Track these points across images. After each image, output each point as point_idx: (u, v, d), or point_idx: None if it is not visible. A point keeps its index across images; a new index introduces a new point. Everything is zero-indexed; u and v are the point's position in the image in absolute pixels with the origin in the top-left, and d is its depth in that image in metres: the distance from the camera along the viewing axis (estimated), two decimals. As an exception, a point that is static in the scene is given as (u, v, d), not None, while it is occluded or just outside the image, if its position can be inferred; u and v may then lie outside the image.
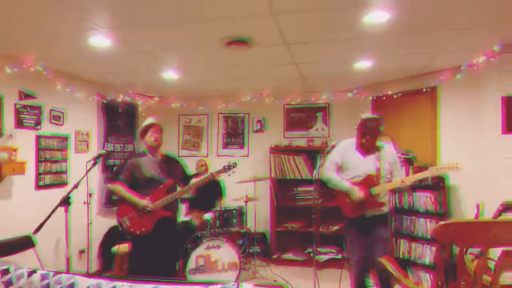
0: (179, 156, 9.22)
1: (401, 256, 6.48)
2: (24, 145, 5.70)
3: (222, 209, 6.85)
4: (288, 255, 8.22)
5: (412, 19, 4.27)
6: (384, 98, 7.32)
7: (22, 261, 5.21)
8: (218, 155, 9.22)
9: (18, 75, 5.55)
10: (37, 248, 5.28)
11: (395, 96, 7.08)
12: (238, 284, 2.35)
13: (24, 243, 5.20)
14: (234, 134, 9.19)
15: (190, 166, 8.07)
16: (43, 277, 2.64)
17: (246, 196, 7.25)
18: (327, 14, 4.11)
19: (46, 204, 4.79)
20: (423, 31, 4.66)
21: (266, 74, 6.97)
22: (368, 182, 4.97)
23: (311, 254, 7.58)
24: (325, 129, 8.65)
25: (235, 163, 5.61)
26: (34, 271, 2.70)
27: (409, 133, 6.89)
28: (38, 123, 6.02)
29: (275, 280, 7.01)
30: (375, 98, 7.58)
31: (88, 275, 2.65)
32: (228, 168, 5.54)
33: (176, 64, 6.27)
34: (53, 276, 2.64)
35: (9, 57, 5.48)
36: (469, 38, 4.91)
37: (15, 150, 5.41)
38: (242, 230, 7.44)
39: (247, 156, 9.07)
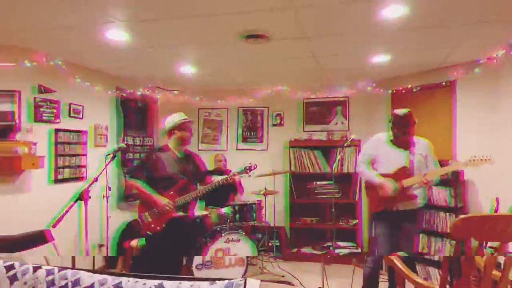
0: (198, 150, 9.25)
1: (420, 250, 6.43)
2: (42, 139, 5.76)
3: (242, 202, 6.82)
4: (307, 249, 8.19)
5: (430, 13, 4.21)
6: (403, 92, 7.23)
7: (40, 255, 5.26)
8: (237, 149, 9.23)
9: (36, 69, 5.58)
10: (54, 242, 5.31)
11: (414, 90, 6.99)
12: (245, 281, 2.33)
13: (41, 237, 5.23)
14: (253, 128, 9.17)
15: (208, 160, 8.12)
16: (48, 273, 2.63)
17: (265, 188, 7.21)
18: (345, 7, 4.07)
19: (64, 198, 4.81)
20: (440, 25, 4.60)
21: (285, 68, 6.93)
22: (401, 174, 4.93)
23: (331, 248, 7.56)
24: (345, 123, 8.59)
25: (255, 164, 5.56)
26: (39, 267, 2.69)
27: (427, 128, 6.77)
28: (56, 117, 6.05)
29: (282, 276, 6.98)
30: (393, 91, 7.49)
31: (94, 271, 2.64)
32: (249, 169, 5.50)
33: (195, 58, 6.27)
34: (58, 271, 2.62)
35: (27, 51, 5.51)
36: (487, 32, 4.83)
37: (34, 144, 5.44)
38: (260, 224, 7.41)
39: (266, 150, 9.06)
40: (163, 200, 5.00)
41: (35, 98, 5.66)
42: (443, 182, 6.13)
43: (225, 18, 4.40)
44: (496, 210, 5.12)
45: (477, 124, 6.09)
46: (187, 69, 6.92)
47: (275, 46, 5.39)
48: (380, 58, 6.14)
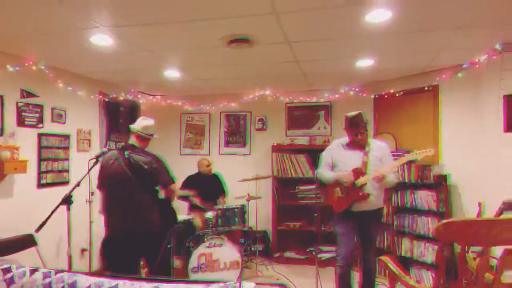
0: (181, 154, 9.28)
1: (402, 255, 6.48)
2: (25, 143, 5.72)
3: (224, 207, 6.83)
4: (290, 254, 8.21)
5: (414, 17, 4.27)
6: (386, 96, 7.28)
7: (24, 260, 5.21)
8: (219, 154, 9.21)
9: (20, 74, 5.56)
10: (38, 246, 5.29)
11: (397, 95, 7.04)
12: (240, 283, 2.34)
13: (26, 242, 5.20)
14: (236, 132, 9.17)
15: (192, 164, 8.12)
16: (45, 276, 2.62)
17: (248, 194, 7.21)
18: (329, 12, 4.10)
19: (48, 202, 4.79)
20: (424, 30, 4.66)
21: (268, 73, 6.96)
22: (354, 175, 5.00)
23: (313, 253, 7.58)
24: (327, 127, 8.63)
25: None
26: (36, 270, 2.68)
27: (411, 132, 6.87)
28: (39, 121, 6.02)
29: (277, 279, 6.99)
30: (376, 96, 7.56)
31: (90, 273, 2.64)
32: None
33: (178, 63, 6.27)
34: (55, 274, 2.62)
35: (10, 56, 5.49)
36: (471, 37, 4.90)
37: (17, 148, 5.41)
38: (243, 229, 7.42)
39: (249, 154, 9.06)
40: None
41: (17, 102, 5.63)
42: (428, 186, 6.20)
43: (208, 23, 4.41)
44: (479, 215, 5.18)
45: (461, 128, 6.18)
46: (171, 74, 6.91)
47: (258, 50, 5.42)
48: (364, 63, 6.18)
